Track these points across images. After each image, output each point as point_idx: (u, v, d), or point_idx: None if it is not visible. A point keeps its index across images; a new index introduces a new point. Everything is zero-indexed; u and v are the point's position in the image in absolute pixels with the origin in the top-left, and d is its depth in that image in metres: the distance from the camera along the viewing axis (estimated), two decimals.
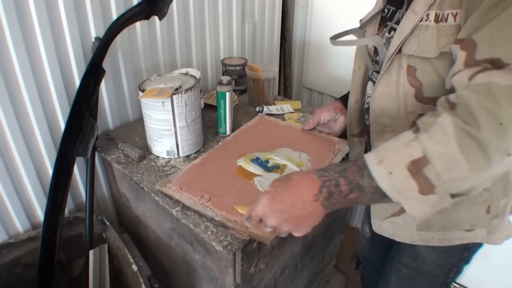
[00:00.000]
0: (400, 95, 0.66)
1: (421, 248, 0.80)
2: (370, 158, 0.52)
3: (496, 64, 0.47)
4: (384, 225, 0.80)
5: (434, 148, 0.48)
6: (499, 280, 1.45)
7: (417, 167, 0.48)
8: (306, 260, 1.11)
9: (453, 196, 0.51)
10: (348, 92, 0.97)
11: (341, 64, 1.57)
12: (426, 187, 0.49)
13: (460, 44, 0.53)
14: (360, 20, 0.79)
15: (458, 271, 0.82)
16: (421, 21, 0.59)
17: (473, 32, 0.51)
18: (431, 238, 0.75)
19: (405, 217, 0.75)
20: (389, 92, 0.68)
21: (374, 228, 0.83)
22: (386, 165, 0.50)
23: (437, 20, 0.57)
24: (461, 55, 0.52)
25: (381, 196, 0.52)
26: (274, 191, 0.59)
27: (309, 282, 1.25)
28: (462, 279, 1.54)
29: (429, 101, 0.62)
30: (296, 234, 0.59)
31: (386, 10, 0.73)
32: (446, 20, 0.56)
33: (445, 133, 0.47)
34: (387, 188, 0.50)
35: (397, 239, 0.79)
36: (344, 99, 0.98)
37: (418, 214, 0.52)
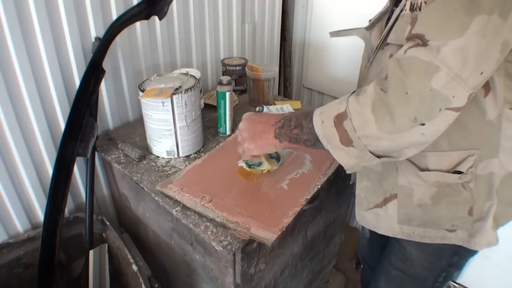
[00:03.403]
0: None
1: (410, 250, 0.80)
2: (317, 110, 0.63)
3: (422, 40, 0.51)
4: (367, 216, 0.81)
5: (354, 106, 0.56)
6: (499, 280, 1.45)
7: (339, 119, 0.58)
8: (306, 260, 1.11)
9: (380, 156, 0.58)
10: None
11: (341, 64, 1.57)
12: (345, 139, 0.58)
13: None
14: (370, 20, 0.80)
15: (448, 276, 0.81)
16: (401, 11, 0.62)
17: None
18: (411, 233, 0.75)
19: (387, 209, 0.76)
20: None
21: (357, 218, 0.84)
22: (323, 115, 0.61)
23: (412, 9, 0.59)
24: (408, 29, 0.56)
25: (316, 139, 0.62)
26: (260, 113, 0.78)
27: (309, 282, 1.25)
28: (462, 279, 1.54)
29: None
30: (246, 144, 0.73)
31: (390, 12, 0.74)
32: (419, 9, 0.58)
33: (367, 96, 0.55)
34: (319, 134, 0.61)
35: (379, 231, 0.79)
36: None
37: (346, 164, 0.61)
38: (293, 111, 1.21)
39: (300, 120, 0.65)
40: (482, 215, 0.69)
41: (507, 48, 0.49)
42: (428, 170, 0.67)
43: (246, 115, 0.76)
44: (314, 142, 0.63)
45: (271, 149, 0.72)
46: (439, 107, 0.50)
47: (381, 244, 0.99)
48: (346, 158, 0.60)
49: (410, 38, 0.53)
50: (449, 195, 0.68)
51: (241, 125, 0.75)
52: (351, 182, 0.96)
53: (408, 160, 0.68)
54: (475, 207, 0.68)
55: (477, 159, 0.64)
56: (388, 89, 0.53)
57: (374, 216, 0.79)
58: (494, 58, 0.49)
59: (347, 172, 0.64)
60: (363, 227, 1.15)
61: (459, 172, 0.65)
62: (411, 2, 0.59)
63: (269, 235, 0.69)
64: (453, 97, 0.49)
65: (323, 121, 0.60)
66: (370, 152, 0.57)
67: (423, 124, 0.51)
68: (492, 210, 0.68)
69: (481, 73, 0.49)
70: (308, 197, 0.81)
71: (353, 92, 0.60)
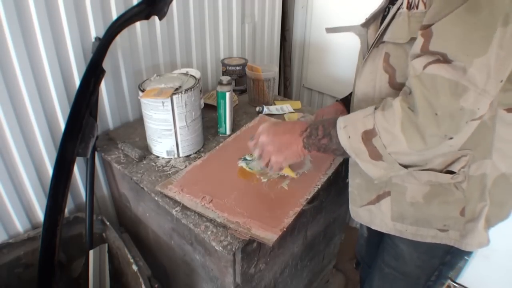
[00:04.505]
0: (376, 81, 0.68)
1: (403, 247, 0.80)
2: (339, 122, 0.63)
3: (445, 58, 0.51)
4: (361, 212, 0.81)
5: (382, 124, 0.57)
6: (499, 280, 1.44)
7: (368, 136, 0.59)
8: (306, 260, 1.11)
9: (406, 166, 0.60)
10: (349, 94, 0.97)
11: (341, 64, 1.57)
12: (374, 154, 0.59)
13: (422, 30, 0.55)
14: (366, 18, 0.80)
15: (440, 275, 0.81)
16: (398, 9, 0.62)
17: (433, 20, 0.53)
18: (404, 231, 0.75)
19: (380, 206, 0.76)
20: (371, 79, 0.70)
21: (352, 215, 0.85)
22: (348, 130, 0.61)
23: (409, 7, 0.59)
24: (419, 40, 0.55)
25: (344, 151, 0.63)
26: (277, 121, 0.77)
27: (309, 282, 1.25)
28: (462, 279, 1.54)
29: (401, 87, 0.63)
30: (274, 157, 0.71)
31: (386, 10, 0.74)
32: (417, 7, 0.58)
33: (394, 114, 0.56)
34: (346, 147, 0.62)
35: (374, 227, 0.80)
36: (345, 101, 0.98)
37: (374, 175, 0.63)
38: (293, 111, 1.21)
39: (328, 130, 0.65)
40: (474, 216, 0.69)
41: None
42: (421, 168, 0.67)
43: (264, 128, 0.74)
44: (343, 152, 0.64)
45: (299, 159, 0.72)
46: (466, 121, 0.53)
47: (379, 242, 0.99)
48: (373, 170, 0.62)
49: (427, 53, 0.53)
50: (442, 194, 0.68)
51: (262, 138, 0.73)
52: (346, 181, 0.96)
53: None
54: (468, 208, 0.68)
55: (470, 159, 0.64)
56: (415, 108, 0.54)
57: (368, 212, 0.80)
58: (511, 65, 0.51)
59: (375, 182, 0.66)
60: (361, 226, 1.15)
61: (452, 172, 0.65)
62: (408, 0, 0.59)
63: (270, 235, 0.69)
64: (478, 109, 0.52)
65: (349, 136, 0.61)
66: (400, 164, 0.60)
67: (451, 138, 0.54)
68: (484, 211, 0.69)
69: (501, 81, 0.51)
70: (309, 197, 0.81)
71: (376, 107, 0.61)
